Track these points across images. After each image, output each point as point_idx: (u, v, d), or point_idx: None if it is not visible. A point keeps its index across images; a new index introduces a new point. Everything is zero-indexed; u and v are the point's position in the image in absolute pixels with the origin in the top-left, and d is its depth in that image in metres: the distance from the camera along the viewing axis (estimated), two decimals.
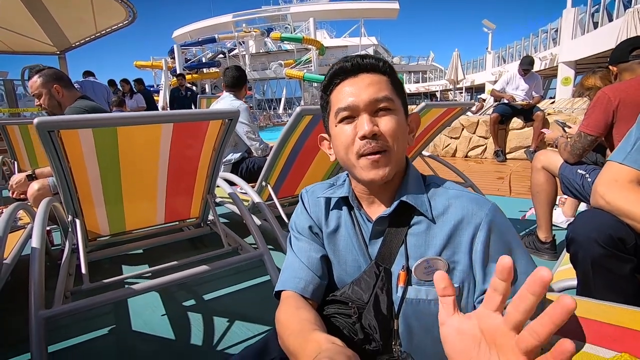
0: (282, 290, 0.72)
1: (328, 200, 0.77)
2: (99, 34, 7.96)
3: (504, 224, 0.68)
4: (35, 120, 0.86)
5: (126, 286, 1.16)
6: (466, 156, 5.90)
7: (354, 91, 0.66)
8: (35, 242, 1.08)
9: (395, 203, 0.69)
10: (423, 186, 0.72)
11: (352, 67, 0.68)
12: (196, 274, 1.23)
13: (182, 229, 1.92)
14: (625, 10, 10.03)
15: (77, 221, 1.23)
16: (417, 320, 0.68)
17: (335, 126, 0.69)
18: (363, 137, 0.65)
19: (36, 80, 1.96)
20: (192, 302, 1.74)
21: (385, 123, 0.66)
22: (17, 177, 2.05)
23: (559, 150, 1.92)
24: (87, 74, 6.48)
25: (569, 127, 2.18)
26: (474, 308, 0.67)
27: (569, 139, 1.90)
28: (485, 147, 5.72)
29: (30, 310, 0.96)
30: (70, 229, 1.45)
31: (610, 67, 1.84)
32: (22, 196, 2.06)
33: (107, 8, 6.76)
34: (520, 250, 0.67)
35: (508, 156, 5.37)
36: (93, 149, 1.04)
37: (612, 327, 0.83)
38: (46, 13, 6.47)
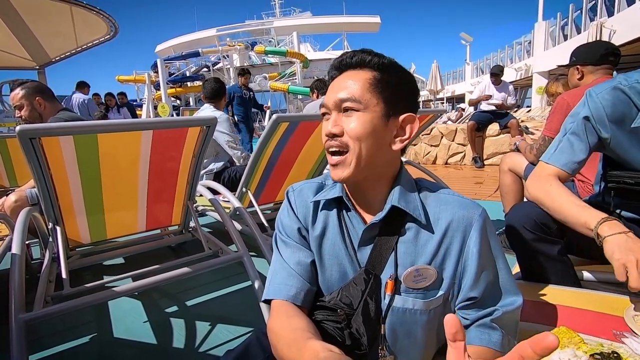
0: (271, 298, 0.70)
1: (317, 202, 0.75)
2: (79, 49, 7.87)
3: (492, 230, 0.69)
4: (17, 128, 0.89)
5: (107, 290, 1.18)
6: (446, 163, 6.06)
7: (332, 90, 0.68)
8: (15, 247, 1.10)
9: (387, 208, 0.68)
10: (416, 190, 0.71)
11: (338, 64, 0.70)
12: (177, 275, 1.26)
13: (163, 237, 1.94)
14: (590, 23, 10.60)
15: (58, 228, 1.25)
16: (402, 326, 0.69)
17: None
18: (327, 135, 0.67)
19: (19, 92, 1.98)
20: (174, 308, 1.76)
21: (348, 123, 0.65)
22: None
23: (523, 153, 2.04)
24: (82, 85, 6.37)
25: (532, 134, 2.32)
26: (453, 312, 0.70)
27: (533, 143, 2.02)
28: (464, 154, 5.90)
29: (10, 313, 0.98)
30: (50, 238, 1.46)
31: (579, 67, 1.81)
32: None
33: (88, 23, 6.72)
34: (502, 259, 0.70)
35: (486, 162, 5.55)
36: (74, 156, 1.07)
37: (550, 305, 0.92)
38: (25, 27, 6.39)
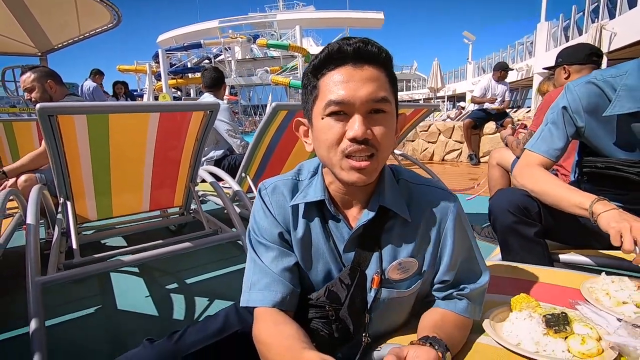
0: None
1: (296, 205, 0.71)
2: (82, 37, 7.89)
3: (464, 218, 0.73)
4: (38, 105, 0.98)
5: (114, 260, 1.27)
6: (443, 160, 6.16)
7: (351, 85, 0.59)
8: (30, 218, 1.19)
9: (375, 209, 0.67)
10: (397, 185, 0.71)
11: (353, 53, 0.59)
12: (178, 249, 1.35)
13: (165, 219, 2.03)
14: (591, 25, 10.65)
15: (69, 203, 1.34)
16: (385, 312, 0.73)
17: (322, 118, 0.62)
18: (353, 140, 0.59)
19: (30, 75, 2.05)
20: (174, 285, 1.85)
21: (379, 127, 0.60)
22: None
23: (510, 148, 2.13)
24: (95, 72, 6.43)
25: (525, 127, 2.41)
26: (430, 295, 0.76)
27: (521, 138, 2.12)
28: (461, 151, 5.99)
29: (27, 276, 1.07)
30: (58, 215, 1.55)
31: (566, 67, 1.90)
32: None
33: (91, 11, 6.75)
34: (474, 243, 0.76)
35: (481, 160, 5.64)
36: (86, 135, 1.16)
37: (519, 280, 1.02)
38: (28, 13, 6.41)
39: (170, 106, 1.24)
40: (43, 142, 2.14)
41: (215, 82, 2.86)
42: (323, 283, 0.72)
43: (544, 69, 2.18)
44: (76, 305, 1.64)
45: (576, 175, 1.28)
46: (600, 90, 1.07)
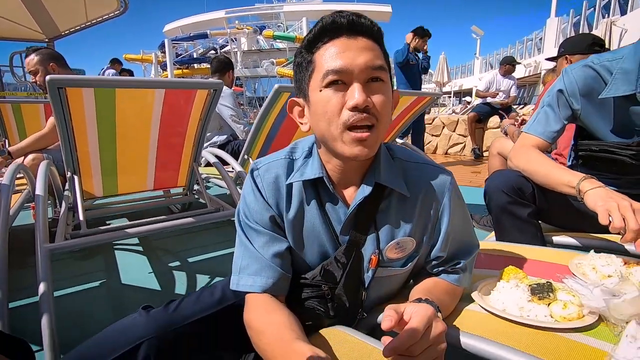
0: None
1: (291, 184, 0.69)
2: (89, 23, 7.92)
3: (459, 194, 0.74)
4: (48, 77, 1.01)
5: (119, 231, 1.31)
6: (446, 153, 6.16)
7: (349, 54, 0.58)
8: (39, 189, 1.23)
9: (371, 186, 0.67)
10: (392, 162, 0.71)
11: (347, 24, 0.59)
12: (181, 224, 1.39)
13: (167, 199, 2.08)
14: (601, 20, 10.51)
15: (76, 177, 1.38)
16: (380, 289, 0.75)
17: (320, 91, 0.61)
18: (354, 108, 0.58)
19: (33, 58, 2.08)
20: (177, 263, 1.91)
21: (378, 96, 0.60)
22: None
23: (511, 137, 2.15)
24: (114, 61, 6.52)
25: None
26: (425, 270, 0.78)
27: (521, 128, 2.13)
28: (464, 145, 5.99)
29: (36, 244, 1.11)
30: (68, 189, 1.59)
31: (567, 56, 1.94)
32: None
33: None
34: (467, 218, 0.77)
35: (485, 154, 5.64)
36: (93, 108, 1.19)
37: (510, 258, 1.05)
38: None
39: (175, 83, 1.27)
40: (48, 122, 2.18)
41: (223, 66, 2.89)
42: (319, 263, 0.72)
43: (547, 59, 2.18)
44: (82, 279, 1.69)
45: (572, 159, 1.30)
46: (596, 74, 1.08)
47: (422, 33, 4.30)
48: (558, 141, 2.02)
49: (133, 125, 1.36)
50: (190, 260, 1.93)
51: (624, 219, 0.83)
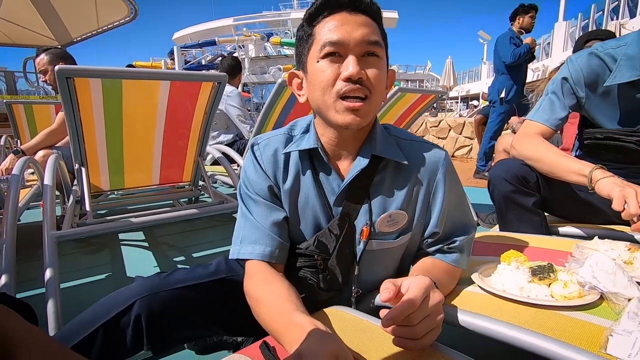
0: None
1: (288, 154, 0.72)
2: (100, 30, 8.14)
3: (454, 171, 0.76)
4: (57, 67, 1.05)
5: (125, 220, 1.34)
6: (453, 156, 6.12)
7: (347, 28, 0.61)
8: (47, 179, 1.27)
9: (367, 158, 0.68)
10: (389, 137, 0.73)
11: (348, 1, 0.63)
12: (186, 215, 1.41)
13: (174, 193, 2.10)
14: (610, 22, 10.43)
15: (83, 169, 1.41)
16: (372, 263, 0.75)
17: (317, 62, 0.63)
18: (348, 79, 0.61)
19: (43, 57, 2.14)
20: (182, 258, 1.92)
21: (373, 69, 0.63)
22: (6, 161, 2.12)
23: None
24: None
25: None
26: (420, 248, 0.79)
27: None
28: (471, 148, 5.95)
29: (43, 232, 1.14)
30: (73, 187, 1.62)
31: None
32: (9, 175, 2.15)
33: (109, 3, 6.96)
34: (462, 196, 0.79)
35: (492, 156, 5.60)
36: (101, 99, 1.22)
37: (513, 246, 1.04)
38: (49, 6, 6.65)
39: (181, 75, 1.30)
40: (57, 117, 2.23)
41: (232, 69, 2.93)
42: (313, 235, 0.73)
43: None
44: (88, 271, 1.71)
45: (576, 149, 1.29)
46: (601, 61, 1.08)
47: (525, 9, 3.43)
48: (564, 136, 2.01)
49: (139, 117, 1.38)
50: (195, 255, 1.94)
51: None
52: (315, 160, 0.72)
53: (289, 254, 0.73)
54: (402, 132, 0.77)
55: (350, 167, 0.71)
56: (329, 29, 0.62)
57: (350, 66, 0.61)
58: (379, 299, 0.74)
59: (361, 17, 0.63)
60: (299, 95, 0.72)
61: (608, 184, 0.91)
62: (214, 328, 0.78)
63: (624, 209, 0.85)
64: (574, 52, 2.05)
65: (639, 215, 0.82)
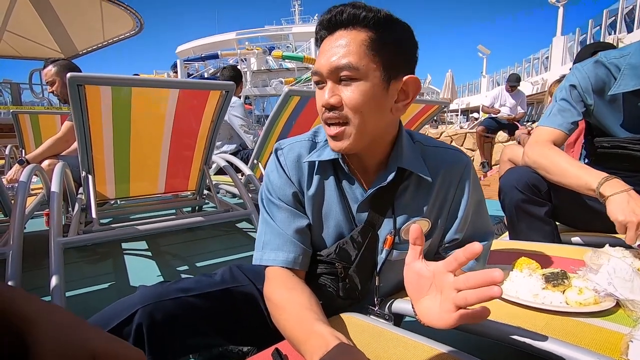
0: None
1: (312, 163, 0.72)
2: (106, 43, 8.27)
3: (476, 177, 0.75)
4: (69, 75, 1.06)
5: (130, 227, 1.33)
6: None
7: (323, 54, 0.62)
8: (54, 186, 1.27)
9: (393, 171, 0.68)
10: (414, 145, 0.72)
11: (327, 23, 0.62)
12: (190, 222, 1.41)
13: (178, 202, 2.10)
14: (607, 37, 10.58)
15: (90, 177, 1.41)
16: (393, 273, 0.75)
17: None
18: (322, 107, 0.63)
19: (51, 68, 2.15)
20: (185, 267, 1.90)
21: (347, 94, 0.60)
22: (11, 171, 2.14)
23: (523, 145, 2.15)
24: None
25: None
26: (437, 253, 0.78)
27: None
28: (473, 159, 5.96)
29: (50, 237, 1.13)
30: (82, 192, 1.62)
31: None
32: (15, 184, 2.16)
33: (115, 17, 7.09)
34: (484, 206, 0.78)
35: (494, 167, 5.60)
36: (110, 108, 1.23)
37: (525, 253, 1.03)
38: (56, 19, 6.76)
39: (189, 83, 1.31)
40: (63, 126, 2.24)
41: (232, 79, 2.96)
42: (334, 242, 0.73)
43: (562, 76, 2.22)
44: (92, 280, 1.70)
45: (582, 158, 1.29)
46: (607, 70, 1.09)
47: None
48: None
49: (147, 126, 1.39)
50: (199, 265, 1.93)
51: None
52: (337, 169, 0.72)
53: (310, 260, 0.73)
54: (426, 139, 0.76)
55: (374, 177, 0.71)
56: (318, 57, 0.64)
57: (323, 95, 0.62)
58: (396, 304, 0.73)
59: (341, 34, 0.61)
60: None
61: (615, 207, 0.88)
62: (218, 338, 0.76)
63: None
64: (577, 61, 2.06)
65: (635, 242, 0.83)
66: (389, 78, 0.62)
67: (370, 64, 0.60)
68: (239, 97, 3.01)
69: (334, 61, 0.60)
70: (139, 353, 0.33)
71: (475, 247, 0.47)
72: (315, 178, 0.72)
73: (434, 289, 0.54)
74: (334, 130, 0.62)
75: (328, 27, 0.62)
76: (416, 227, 0.53)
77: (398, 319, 0.74)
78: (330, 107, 0.61)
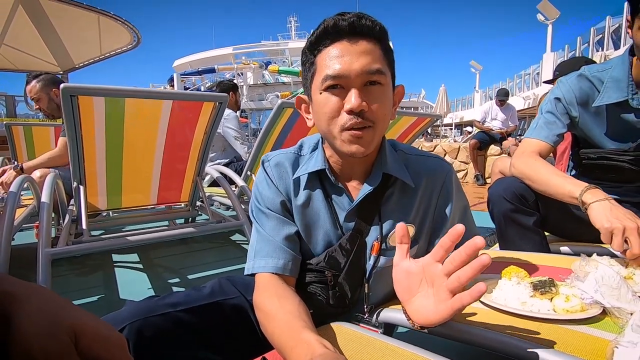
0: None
1: (299, 177, 0.73)
2: (102, 57, 8.34)
3: (459, 184, 0.77)
4: (62, 85, 1.07)
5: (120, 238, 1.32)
6: None
7: (347, 59, 0.61)
8: (45, 196, 1.26)
9: (379, 177, 0.70)
10: (396, 154, 0.74)
11: (348, 28, 0.61)
12: (182, 233, 1.39)
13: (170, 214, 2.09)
14: (595, 53, 10.87)
15: (81, 187, 1.40)
16: (382, 280, 0.75)
17: (320, 93, 0.64)
18: (350, 112, 0.61)
19: (35, 85, 2.09)
20: (176, 279, 1.88)
21: (375, 99, 0.62)
22: (7, 174, 2.06)
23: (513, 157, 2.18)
24: None
25: None
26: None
27: None
28: (467, 172, 6.01)
29: (38, 248, 1.12)
30: (73, 204, 1.61)
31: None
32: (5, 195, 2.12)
33: (112, 31, 7.17)
34: (469, 212, 0.80)
35: (488, 180, 5.65)
36: (103, 118, 1.24)
37: (513, 262, 1.03)
38: (54, 33, 6.82)
39: (183, 94, 1.33)
40: (59, 143, 2.23)
41: (228, 88, 2.99)
42: (323, 251, 0.74)
43: (544, 82, 2.27)
44: (81, 293, 1.67)
45: (570, 170, 1.31)
46: (590, 83, 1.12)
47: None
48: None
49: (140, 137, 1.40)
50: (191, 277, 1.91)
51: (626, 240, 0.83)
52: (324, 180, 0.73)
53: (299, 269, 0.73)
54: (409, 148, 0.79)
55: (360, 185, 0.73)
56: (330, 61, 0.62)
57: (352, 99, 0.61)
58: (385, 313, 0.73)
59: (362, 44, 0.62)
60: (307, 119, 0.73)
61: (598, 213, 0.89)
62: (208, 352, 0.73)
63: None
64: (562, 74, 2.10)
65: (623, 250, 0.83)
66: (393, 85, 0.67)
67: (388, 71, 0.65)
68: (237, 111, 3.02)
69: (365, 65, 0.61)
70: (121, 337, 0.34)
71: (458, 228, 0.49)
72: (303, 189, 0.73)
73: (425, 284, 0.54)
74: (360, 132, 0.63)
75: (347, 32, 0.61)
76: (401, 226, 0.54)
77: (389, 330, 0.74)
78: (360, 112, 0.61)
